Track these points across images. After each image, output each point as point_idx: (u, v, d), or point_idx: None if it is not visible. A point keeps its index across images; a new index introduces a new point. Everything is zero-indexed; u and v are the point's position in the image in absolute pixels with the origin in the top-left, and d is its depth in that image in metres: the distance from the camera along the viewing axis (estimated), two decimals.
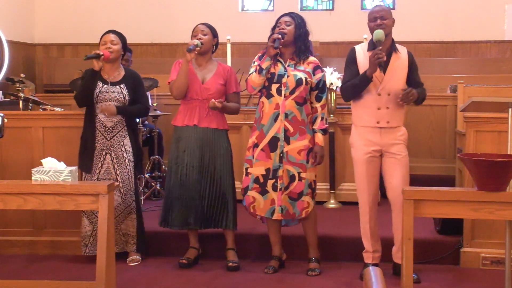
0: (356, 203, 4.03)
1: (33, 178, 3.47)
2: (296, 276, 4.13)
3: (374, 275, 1.92)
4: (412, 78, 3.99)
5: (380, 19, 3.89)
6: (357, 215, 4.05)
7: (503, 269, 3.50)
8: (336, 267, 4.31)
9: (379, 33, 3.82)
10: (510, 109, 3.34)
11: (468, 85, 6.00)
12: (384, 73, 3.90)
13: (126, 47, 4.45)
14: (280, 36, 3.95)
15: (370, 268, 2.00)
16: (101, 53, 4.21)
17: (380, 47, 3.81)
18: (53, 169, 3.46)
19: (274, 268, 4.19)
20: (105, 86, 4.30)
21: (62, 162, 3.54)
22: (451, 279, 4.11)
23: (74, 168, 3.54)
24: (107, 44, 4.29)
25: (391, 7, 8.69)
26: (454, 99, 6.23)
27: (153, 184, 5.84)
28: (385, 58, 3.81)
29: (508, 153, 3.33)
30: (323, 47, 8.06)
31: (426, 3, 8.43)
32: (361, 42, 5.77)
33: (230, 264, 4.26)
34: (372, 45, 3.92)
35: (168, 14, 8.82)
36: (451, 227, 4.46)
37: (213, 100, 4.13)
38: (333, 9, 8.85)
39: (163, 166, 5.99)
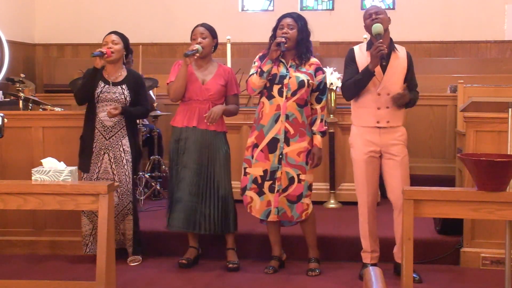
0: (356, 203, 4.02)
1: (33, 178, 3.46)
2: (296, 276, 4.13)
3: (374, 275, 1.92)
4: (409, 79, 4.00)
5: (375, 14, 3.91)
6: (357, 215, 4.05)
7: (503, 269, 3.50)
8: (336, 267, 4.31)
9: (378, 27, 3.83)
10: (510, 109, 3.34)
11: (468, 85, 6.00)
12: (387, 65, 3.90)
13: (128, 48, 4.46)
14: (284, 40, 3.93)
15: (370, 268, 2.00)
16: (104, 51, 4.24)
17: (381, 40, 3.81)
18: (53, 169, 3.46)
19: (274, 268, 4.19)
20: (107, 86, 4.31)
21: (62, 162, 3.53)
22: (451, 279, 4.11)
23: (74, 168, 3.54)
24: (109, 44, 4.31)
25: (391, 7, 8.69)
26: (454, 99, 6.23)
27: (153, 184, 5.84)
28: (386, 51, 3.80)
29: (508, 153, 3.32)
30: (323, 47, 8.05)
31: (426, 3, 8.42)
32: (361, 42, 5.79)
33: (230, 264, 4.25)
34: (371, 45, 3.92)
35: (168, 14, 8.81)
36: (451, 227, 4.46)
37: (208, 116, 4.14)
38: (333, 9, 8.84)
39: (163, 166, 5.99)
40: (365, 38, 5.64)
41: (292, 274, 4.17)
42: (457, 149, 5.42)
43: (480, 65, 8.06)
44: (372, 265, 4.03)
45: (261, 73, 4.00)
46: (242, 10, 9.01)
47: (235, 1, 8.93)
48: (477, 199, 3.17)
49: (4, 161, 4.70)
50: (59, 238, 4.67)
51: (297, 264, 4.30)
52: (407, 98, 3.94)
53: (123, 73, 4.39)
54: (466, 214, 3.31)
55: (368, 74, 3.87)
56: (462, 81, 6.05)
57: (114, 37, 4.35)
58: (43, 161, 3.54)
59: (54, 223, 4.69)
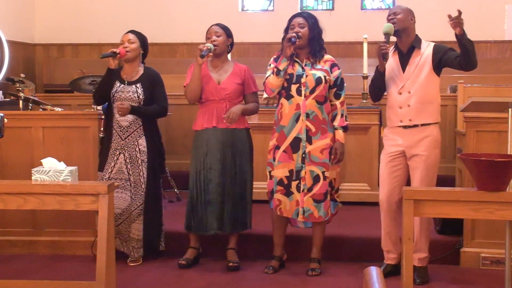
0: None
1: (33, 178, 3.46)
2: (296, 276, 4.13)
3: (374, 275, 1.92)
4: (448, 58, 4.00)
5: (393, 14, 3.95)
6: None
7: (503, 269, 3.50)
8: (336, 267, 4.31)
9: (387, 26, 3.89)
10: (510, 109, 3.34)
11: (468, 85, 6.00)
12: (407, 64, 3.93)
13: (146, 47, 4.46)
14: (295, 35, 3.95)
15: (371, 268, 2.00)
16: (117, 51, 4.24)
17: (384, 40, 3.87)
18: (53, 169, 3.46)
19: (274, 268, 4.19)
20: (122, 85, 4.33)
21: (62, 162, 3.53)
22: (451, 279, 4.11)
23: (74, 168, 3.54)
24: (124, 44, 4.33)
25: (391, 7, 8.69)
26: (454, 99, 6.22)
27: None
28: (387, 51, 3.88)
29: (508, 153, 3.33)
30: None
31: (426, 3, 8.41)
32: (361, 42, 5.79)
33: (230, 264, 4.25)
34: (395, 45, 4.01)
35: (168, 14, 8.81)
36: (451, 227, 4.46)
37: (227, 116, 4.13)
38: (333, 9, 8.85)
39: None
40: (365, 38, 5.64)
41: (292, 274, 4.17)
42: (457, 149, 5.42)
43: (480, 65, 8.00)
44: (388, 265, 4.07)
45: (277, 72, 4.00)
46: (242, 10, 9.01)
47: (235, 1, 8.93)
48: (477, 199, 3.17)
49: (4, 161, 4.70)
50: (59, 238, 4.67)
51: (297, 264, 4.30)
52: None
53: (140, 71, 4.40)
54: (466, 214, 3.30)
55: (377, 73, 3.98)
56: (462, 81, 6.05)
57: (130, 36, 4.37)
58: (43, 161, 3.53)
59: (54, 223, 4.69)
